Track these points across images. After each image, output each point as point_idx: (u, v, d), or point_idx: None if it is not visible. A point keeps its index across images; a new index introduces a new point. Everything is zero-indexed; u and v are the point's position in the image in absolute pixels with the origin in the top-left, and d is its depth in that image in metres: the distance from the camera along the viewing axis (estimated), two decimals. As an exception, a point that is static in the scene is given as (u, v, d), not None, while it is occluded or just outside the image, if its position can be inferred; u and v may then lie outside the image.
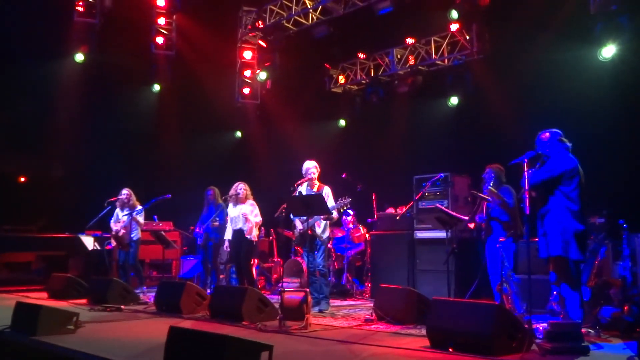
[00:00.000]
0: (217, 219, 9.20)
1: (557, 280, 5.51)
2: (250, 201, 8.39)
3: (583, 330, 4.82)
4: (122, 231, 9.30)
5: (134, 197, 9.52)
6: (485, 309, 4.63)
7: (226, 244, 8.47)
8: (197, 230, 9.59)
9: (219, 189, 9.56)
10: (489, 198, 6.52)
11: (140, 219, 9.42)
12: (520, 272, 6.38)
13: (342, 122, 13.43)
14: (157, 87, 13.61)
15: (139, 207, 9.42)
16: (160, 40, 13.00)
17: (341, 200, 7.18)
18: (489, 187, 6.49)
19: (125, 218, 9.34)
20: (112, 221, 9.59)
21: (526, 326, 4.57)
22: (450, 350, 4.53)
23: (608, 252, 6.49)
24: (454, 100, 11.15)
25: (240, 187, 8.38)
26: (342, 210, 7.50)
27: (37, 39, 11.67)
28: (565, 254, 5.34)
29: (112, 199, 9.52)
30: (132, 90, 13.51)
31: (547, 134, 5.64)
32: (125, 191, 9.48)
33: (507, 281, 6.00)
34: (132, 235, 9.33)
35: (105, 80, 12.79)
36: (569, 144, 5.60)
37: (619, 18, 8.44)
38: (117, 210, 9.55)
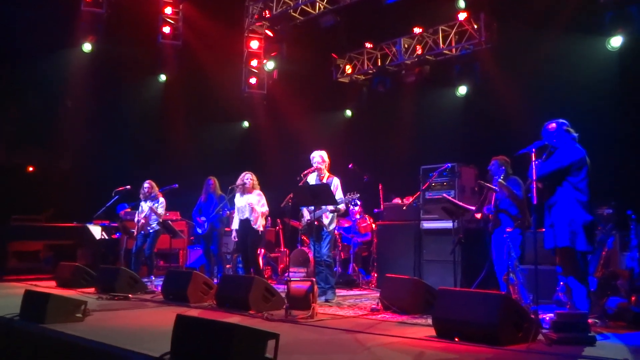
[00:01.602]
0: (227, 210, 9.23)
1: (564, 271, 5.50)
2: (257, 191, 8.41)
3: (590, 320, 4.80)
4: (142, 221, 9.36)
5: (155, 188, 9.55)
6: (491, 299, 4.62)
7: (234, 233, 8.49)
8: (197, 218, 9.59)
9: (226, 179, 9.56)
10: (496, 189, 6.50)
11: (161, 210, 9.44)
12: (527, 262, 6.37)
13: (349, 113, 13.40)
14: (163, 77, 13.63)
15: (160, 199, 9.46)
16: (167, 30, 13.00)
17: (349, 195, 7.19)
18: (499, 180, 6.46)
19: (146, 209, 9.39)
20: (137, 213, 9.62)
21: (532, 316, 4.56)
22: (456, 340, 4.53)
23: (616, 243, 6.46)
24: (461, 90, 11.09)
25: (247, 177, 8.39)
26: (350, 204, 7.51)
27: (44, 29, 11.68)
28: (572, 245, 5.33)
29: (120, 189, 9.57)
30: (139, 80, 13.53)
31: (554, 124, 5.60)
32: (146, 184, 9.53)
33: (514, 271, 5.99)
34: (153, 225, 9.37)
35: (113, 70, 12.82)
36: (576, 134, 5.56)
37: (629, 7, 8.36)
38: (142, 202, 9.57)
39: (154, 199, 9.40)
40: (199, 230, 9.61)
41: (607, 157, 7.30)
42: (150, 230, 9.34)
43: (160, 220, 9.41)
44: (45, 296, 5.49)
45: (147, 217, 9.31)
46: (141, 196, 9.55)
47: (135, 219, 9.53)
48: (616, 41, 8.60)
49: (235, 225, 8.44)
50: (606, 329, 5.11)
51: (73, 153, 13.60)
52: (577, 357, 4.03)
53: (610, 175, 7.22)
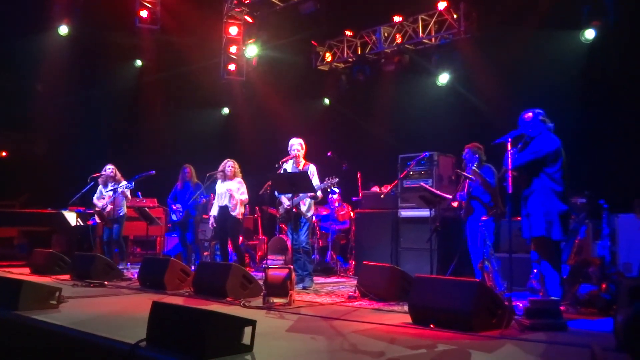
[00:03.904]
0: (204, 198, 9.20)
1: (538, 259, 5.59)
2: (238, 179, 8.42)
3: (562, 307, 4.90)
4: (110, 206, 9.24)
5: (118, 173, 9.45)
6: (466, 286, 4.68)
7: (211, 220, 8.48)
8: (173, 206, 9.52)
9: (204, 165, 9.51)
10: (472, 177, 6.56)
11: (128, 192, 9.36)
12: (502, 250, 6.46)
13: (327, 101, 13.39)
14: (139, 62, 13.42)
15: (124, 182, 9.36)
16: (144, 13, 12.74)
17: (328, 180, 7.19)
18: (473, 168, 6.52)
19: (110, 194, 9.27)
20: (95, 198, 9.52)
21: (506, 303, 4.63)
22: (432, 326, 4.59)
23: (588, 232, 6.58)
24: (441, 80, 11.12)
25: (229, 165, 8.41)
26: (328, 189, 7.51)
27: (19, 11, 11.42)
28: (548, 234, 5.41)
29: (95, 175, 9.46)
30: (117, 64, 13.31)
31: (530, 113, 5.67)
32: (109, 167, 9.41)
33: (489, 259, 6.07)
34: (118, 211, 9.27)
35: (89, 54, 12.59)
36: (551, 124, 5.64)
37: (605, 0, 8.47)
38: (100, 187, 9.47)
39: (118, 181, 9.32)
40: (174, 218, 9.54)
41: (580, 147, 7.42)
42: (118, 215, 9.23)
43: (126, 203, 9.34)
44: (18, 282, 5.41)
45: (114, 203, 9.19)
46: (100, 180, 9.41)
47: (100, 205, 9.40)
48: (590, 34, 8.74)
49: (214, 211, 8.44)
50: (577, 315, 5.23)
51: (48, 138, 13.37)
52: (548, 343, 4.10)
53: (584, 166, 7.33)
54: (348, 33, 12.30)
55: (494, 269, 6.01)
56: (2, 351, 4.94)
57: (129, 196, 9.38)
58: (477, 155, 6.64)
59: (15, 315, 5.02)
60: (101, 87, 12.87)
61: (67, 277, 8.17)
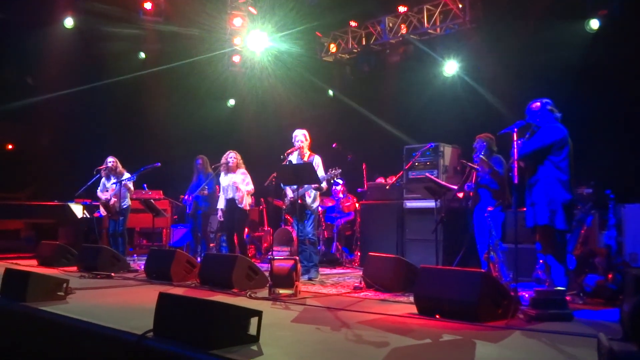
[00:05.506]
0: (207, 187, 9.21)
1: (543, 249, 5.58)
2: (242, 170, 8.42)
3: (568, 297, 4.90)
4: (114, 199, 9.26)
5: (120, 165, 9.47)
6: (472, 276, 4.68)
7: (219, 213, 8.50)
8: (186, 198, 9.58)
9: (210, 157, 9.54)
10: (478, 167, 6.54)
11: (130, 185, 9.39)
12: (508, 241, 6.46)
13: (330, 92, 13.36)
14: (142, 55, 13.41)
15: (127, 174, 9.38)
16: (148, 5, 12.70)
17: (331, 171, 7.18)
18: (481, 156, 6.50)
19: (114, 186, 9.30)
20: (99, 190, 9.55)
21: (512, 293, 4.63)
22: (437, 316, 4.60)
23: (594, 222, 6.57)
24: (446, 70, 11.06)
25: (231, 156, 8.39)
26: (332, 181, 7.51)
27: (24, 3, 11.42)
28: (551, 223, 5.40)
29: (101, 167, 9.50)
30: (121, 57, 13.28)
31: (538, 103, 5.64)
32: (111, 159, 9.43)
33: (495, 250, 6.07)
34: (122, 204, 9.31)
35: (93, 46, 12.57)
36: (559, 114, 5.61)
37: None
38: (103, 180, 9.49)
39: (120, 174, 9.34)
40: (188, 210, 9.63)
41: (587, 137, 7.38)
42: (122, 208, 9.27)
43: (130, 195, 9.36)
44: (26, 274, 5.44)
45: (117, 195, 9.22)
46: (103, 173, 9.43)
47: (102, 198, 9.42)
48: (595, 24, 8.68)
49: (221, 204, 8.47)
50: (584, 305, 5.23)
51: (53, 130, 13.40)
52: (554, 333, 4.10)
53: (590, 156, 7.31)
54: (352, 24, 12.23)
55: (500, 259, 6.01)
56: (10, 342, 4.98)
57: (132, 188, 9.41)
58: (485, 144, 6.62)
59: (23, 307, 5.06)
60: (105, 80, 12.86)
61: (74, 268, 8.22)
